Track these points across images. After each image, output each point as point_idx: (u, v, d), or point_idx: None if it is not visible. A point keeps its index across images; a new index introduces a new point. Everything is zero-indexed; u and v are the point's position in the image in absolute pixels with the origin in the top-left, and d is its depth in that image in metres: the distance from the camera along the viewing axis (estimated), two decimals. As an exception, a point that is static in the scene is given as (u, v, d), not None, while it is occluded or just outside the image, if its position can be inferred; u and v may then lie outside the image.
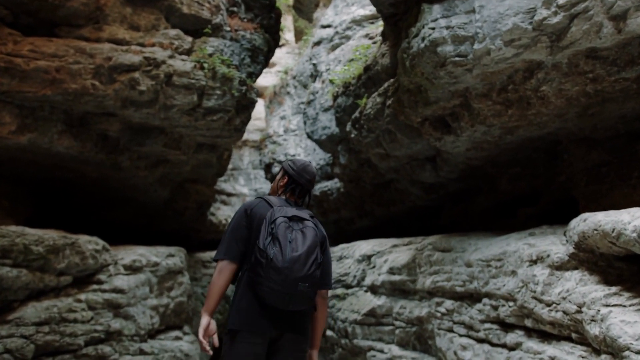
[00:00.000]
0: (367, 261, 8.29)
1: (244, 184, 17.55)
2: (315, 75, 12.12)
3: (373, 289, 7.69)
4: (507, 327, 5.38)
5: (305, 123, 11.97)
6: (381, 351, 7.16)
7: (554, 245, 5.02)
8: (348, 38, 11.44)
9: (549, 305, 4.60)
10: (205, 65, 6.79)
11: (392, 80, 7.78)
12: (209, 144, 7.90)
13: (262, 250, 3.04)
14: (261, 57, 8.05)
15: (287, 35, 19.06)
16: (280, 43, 19.99)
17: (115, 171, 7.47)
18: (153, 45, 6.56)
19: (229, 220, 17.08)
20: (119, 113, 6.64)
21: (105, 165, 7.18)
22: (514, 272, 5.31)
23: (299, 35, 18.99)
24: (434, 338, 6.48)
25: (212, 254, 15.44)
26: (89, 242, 5.73)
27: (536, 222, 6.34)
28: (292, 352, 3.20)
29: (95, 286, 5.75)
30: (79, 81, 6.11)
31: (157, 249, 6.89)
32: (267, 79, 17.92)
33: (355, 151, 10.65)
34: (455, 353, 5.93)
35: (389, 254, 7.79)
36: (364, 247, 8.72)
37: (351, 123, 9.35)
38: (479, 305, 5.76)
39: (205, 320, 3.18)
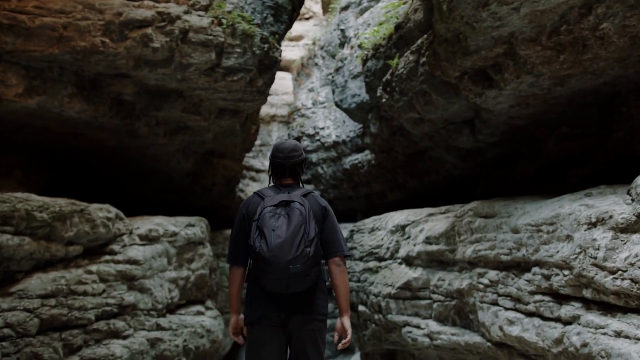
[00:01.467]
0: (401, 232, 7.67)
1: (273, 160, 17.01)
2: (343, 41, 11.44)
3: (408, 261, 7.07)
4: (561, 298, 4.72)
5: (333, 92, 11.33)
6: (417, 327, 6.57)
7: (617, 205, 4.32)
8: (377, 0, 10.69)
9: (613, 272, 3.93)
10: (224, 21, 6.20)
11: (426, 35, 7.08)
12: (231, 109, 7.33)
13: (252, 246, 3.19)
14: (285, 16, 7.42)
15: (315, 7, 18.36)
16: (307, 15, 19.32)
17: (133, 139, 6.98)
18: (167, 0, 5.99)
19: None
20: (132, 74, 6.12)
21: (121, 132, 6.69)
22: (569, 237, 4.64)
23: (326, 7, 18.23)
24: (475, 312, 5.85)
25: (242, 230, 15.02)
26: (100, 210, 5.25)
27: (589, 184, 5.62)
28: (302, 329, 3.32)
29: (107, 257, 5.27)
30: (87, 39, 5.60)
31: (175, 218, 6.38)
32: (294, 52, 17.29)
33: (386, 119, 9.99)
34: (500, 328, 5.30)
35: (424, 223, 7.16)
36: (397, 217, 8.09)
37: (382, 87, 8.69)
38: (527, 275, 5.10)
39: (232, 318, 3.47)
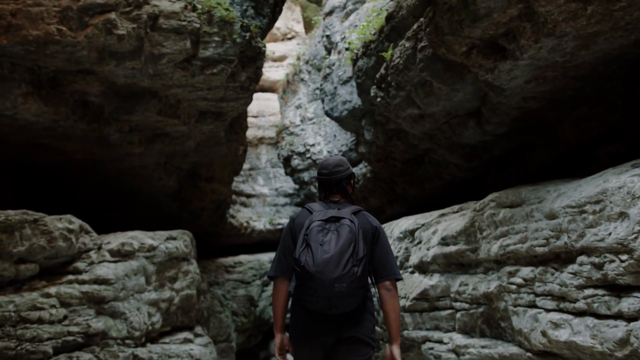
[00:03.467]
0: (410, 237, 6.76)
1: (263, 184, 16.12)
2: (330, 48, 10.69)
3: (422, 268, 6.16)
4: (620, 290, 3.85)
5: (323, 101, 10.53)
6: (440, 342, 5.62)
7: (678, 170, 3.49)
8: (363, 2, 9.99)
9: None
10: (199, 6, 5.38)
11: (422, 18, 6.32)
12: (212, 110, 6.46)
13: (297, 259, 3.00)
14: (267, 9, 6.62)
15: (297, 27, 17.74)
16: (290, 35, 18.70)
17: (104, 148, 6.08)
18: (133, -17, 5.16)
19: (250, 222, 15.72)
20: (97, 70, 5.26)
21: (90, 140, 5.79)
22: (622, 215, 3.80)
23: (309, 26, 17.64)
24: (508, 318, 4.93)
25: (235, 258, 14.05)
26: (59, 221, 4.30)
27: (624, 162, 4.80)
28: (348, 354, 3.10)
29: (70, 277, 4.32)
30: (41, 26, 4.74)
31: (154, 232, 5.41)
32: (278, 72, 16.60)
33: (381, 123, 9.18)
34: (544, 334, 4.38)
35: (437, 225, 6.28)
36: (403, 223, 7.21)
37: (376, 84, 7.90)
38: (572, 267, 4.23)
39: (277, 338, 3.22)
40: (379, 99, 7.95)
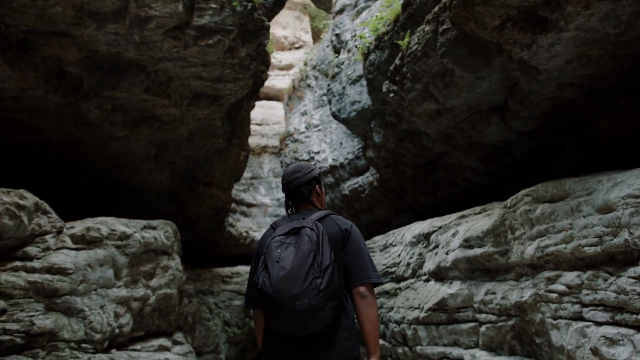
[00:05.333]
0: (425, 242, 5.90)
1: (265, 194, 15.29)
2: (339, 47, 9.94)
3: (439, 275, 5.28)
4: (701, 298, 2.97)
5: (330, 102, 9.75)
6: (460, 359, 4.72)
7: None
8: (375, -1, 9.27)
9: None
10: (193, -33, 4.63)
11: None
12: (208, 93, 5.67)
13: (256, 282, 2.65)
14: (273, -14, 5.86)
15: (305, 36, 17.08)
16: (297, 45, 18.04)
17: (83, 128, 5.28)
18: None
19: (250, 232, 14.85)
20: (74, 33, 4.48)
21: (65, 116, 5.00)
22: None
23: (317, 36, 16.99)
24: (546, 333, 4.05)
25: (233, 269, 13.16)
26: (6, 194, 3.45)
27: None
28: None
29: (17, 263, 3.47)
30: (6, -26, 3.99)
31: (129, 219, 4.52)
32: (285, 81, 15.89)
33: (392, 124, 8.38)
34: (595, 352, 3.50)
35: (457, 226, 5.42)
36: (416, 227, 6.36)
37: (389, 78, 7.12)
38: (635, 270, 3.36)
39: None
40: (391, 95, 7.17)
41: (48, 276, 3.46)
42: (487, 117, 6.38)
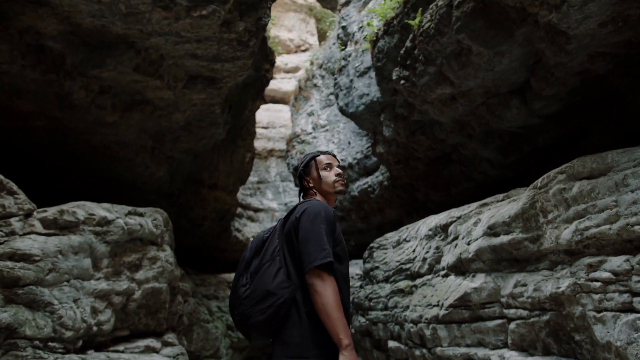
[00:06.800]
0: (442, 234, 5.35)
1: (272, 198, 14.76)
2: (346, 40, 9.46)
3: (460, 268, 4.72)
4: None
5: (337, 96, 9.25)
6: (486, 361, 4.15)
7: None
8: (383, -12, 8.77)
9: None
10: None
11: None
12: (204, 75, 5.17)
13: None
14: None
15: (310, 39, 16.65)
16: (303, 47, 17.61)
17: (68, 112, 4.79)
18: None
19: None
20: (52, 1, 4.01)
21: (47, 97, 4.51)
22: None
23: (322, 39, 16.56)
24: (587, 329, 3.48)
25: (239, 275, 12.57)
26: (-37, 167, 2.96)
27: None
28: None
29: (-26, 247, 2.98)
30: None
31: (111, 204, 3.97)
32: (291, 84, 15.43)
33: (403, 116, 7.86)
34: (652, 348, 2.93)
35: (478, 215, 4.87)
36: (433, 220, 5.82)
37: (400, 62, 6.61)
38: (700, 249, 2.79)
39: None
40: (402, 82, 6.66)
41: (9, 263, 2.94)
42: (507, 100, 5.85)
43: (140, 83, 4.84)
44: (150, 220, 4.17)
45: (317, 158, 2.83)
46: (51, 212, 3.38)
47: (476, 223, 4.70)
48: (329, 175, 2.78)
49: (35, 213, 3.35)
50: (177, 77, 5.02)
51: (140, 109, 5.15)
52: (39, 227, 3.27)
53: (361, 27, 8.77)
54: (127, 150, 5.65)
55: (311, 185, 2.80)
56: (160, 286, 3.89)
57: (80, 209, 3.52)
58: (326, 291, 2.29)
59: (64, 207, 3.46)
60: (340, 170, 2.80)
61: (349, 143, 11.46)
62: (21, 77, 4.25)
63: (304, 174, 2.83)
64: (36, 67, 4.24)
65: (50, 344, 2.95)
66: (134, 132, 5.42)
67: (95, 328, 3.29)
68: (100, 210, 3.63)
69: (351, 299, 7.66)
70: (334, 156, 2.88)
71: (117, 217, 3.68)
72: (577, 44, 4.35)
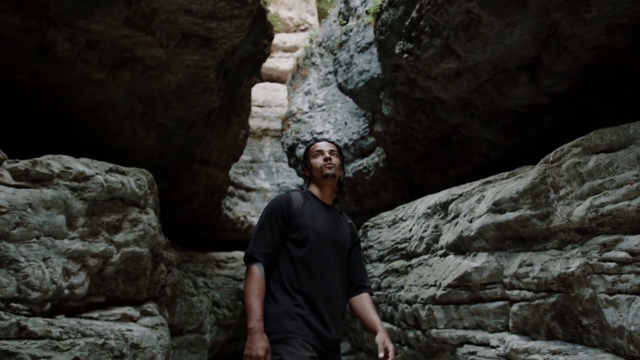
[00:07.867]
0: (442, 212, 5.08)
1: (265, 178, 14.46)
2: (347, 15, 9.12)
3: (459, 247, 4.46)
4: None
5: (336, 72, 8.93)
6: (485, 344, 3.90)
7: None
8: (389, -39, 8.41)
9: None
10: None
11: None
12: (199, 34, 4.85)
13: None
14: None
15: (310, 19, 16.26)
16: (303, 27, 17.21)
17: (51, 65, 4.46)
18: None
19: (248, 217, 14.01)
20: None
21: (28, 48, 4.18)
22: None
23: (323, 18, 16.16)
24: (597, 312, 3.24)
25: (228, 254, 12.29)
26: None
27: None
28: None
29: None
30: None
31: (91, 160, 3.64)
32: (289, 63, 15.06)
33: (403, 94, 7.56)
34: (671, 333, 2.67)
35: (481, 192, 4.61)
36: (431, 198, 5.56)
37: (404, 34, 6.29)
38: None
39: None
40: (405, 55, 6.35)
41: (-32, 215, 2.65)
42: (515, 76, 5.57)
43: (130, 38, 4.51)
44: (133, 179, 3.88)
45: (311, 147, 2.83)
46: (23, 162, 3.07)
47: (479, 200, 4.44)
48: (318, 162, 2.73)
49: (5, 163, 3.05)
50: (170, 35, 4.69)
51: (130, 68, 4.82)
52: (8, 177, 2.96)
53: (364, 1, 8.43)
54: (115, 114, 5.33)
55: (307, 174, 2.84)
56: (142, 251, 3.60)
57: (55, 161, 3.21)
58: (246, 280, 2.42)
59: (38, 158, 3.16)
60: (328, 155, 2.72)
61: (346, 123, 11.16)
62: (-2, 22, 3.93)
63: (304, 164, 2.87)
64: (15, 13, 3.90)
65: (13, 304, 2.66)
66: (123, 94, 5.09)
67: (67, 291, 3.00)
68: (78, 164, 3.32)
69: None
70: (332, 142, 2.83)
71: (97, 174, 3.37)
72: (597, 12, 4.06)
